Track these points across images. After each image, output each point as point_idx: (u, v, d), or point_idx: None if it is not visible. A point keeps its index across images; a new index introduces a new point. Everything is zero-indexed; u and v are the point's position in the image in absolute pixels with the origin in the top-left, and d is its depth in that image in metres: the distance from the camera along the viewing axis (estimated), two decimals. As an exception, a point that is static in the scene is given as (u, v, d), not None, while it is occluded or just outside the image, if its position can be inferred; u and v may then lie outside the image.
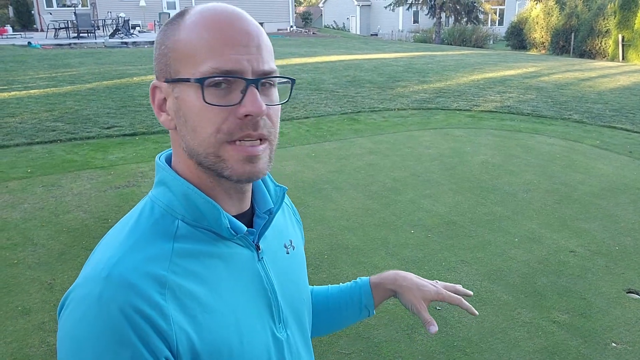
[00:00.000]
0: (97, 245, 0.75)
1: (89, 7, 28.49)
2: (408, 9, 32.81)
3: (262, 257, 0.81)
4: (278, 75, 0.74)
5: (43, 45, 18.51)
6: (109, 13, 24.70)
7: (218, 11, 0.72)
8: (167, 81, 0.73)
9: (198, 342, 0.68)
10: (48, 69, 12.34)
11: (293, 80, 0.78)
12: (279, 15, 32.43)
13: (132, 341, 0.64)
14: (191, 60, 0.70)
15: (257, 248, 0.81)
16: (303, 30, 32.30)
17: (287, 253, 0.89)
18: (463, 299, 1.04)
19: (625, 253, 3.94)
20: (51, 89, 9.70)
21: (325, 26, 43.13)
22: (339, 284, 1.14)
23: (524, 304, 3.30)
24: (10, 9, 29.13)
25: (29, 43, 18.51)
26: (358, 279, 1.11)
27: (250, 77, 0.70)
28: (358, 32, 40.08)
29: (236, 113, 0.69)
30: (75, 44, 19.30)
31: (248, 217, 0.81)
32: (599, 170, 5.70)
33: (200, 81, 0.68)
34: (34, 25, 28.27)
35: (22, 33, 24.15)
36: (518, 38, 26.34)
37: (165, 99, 0.74)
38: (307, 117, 7.92)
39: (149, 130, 7.09)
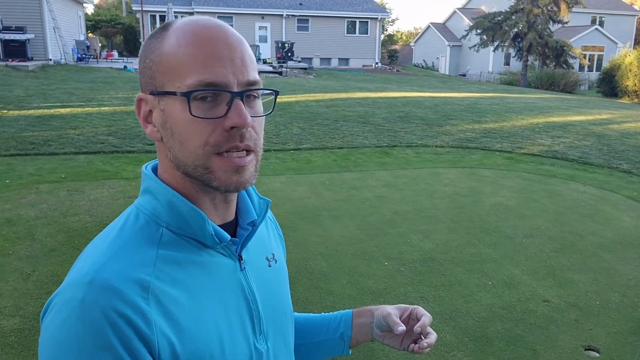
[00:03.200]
0: (82, 252, 0.76)
1: (188, 38, 30.67)
2: (494, 50, 32.19)
3: (244, 268, 0.82)
4: (261, 87, 0.76)
5: (136, 69, 20.16)
6: (202, 43, 26.44)
7: (201, 24, 0.73)
8: (152, 94, 0.74)
9: (180, 348, 0.69)
10: (129, 90, 13.45)
11: (277, 92, 0.80)
12: (366, 52, 33.07)
13: (114, 345, 0.64)
14: (176, 74, 0.71)
15: (240, 258, 0.81)
16: (387, 67, 32.68)
17: (269, 266, 0.89)
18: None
19: (604, 309, 3.64)
20: (120, 107, 10.57)
21: (414, 65, 43.27)
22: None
23: (464, 347, 3.16)
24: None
25: (125, 67, 20.27)
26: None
27: (235, 89, 0.71)
28: (446, 72, 39.79)
29: (222, 125, 0.71)
30: (165, 69, 20.84)
31: (232, 228, 0.82)
32: (621, 222, 5.29)
33: (187, 95, 0.70)
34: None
35: (125, 58, 26.51)
36: (609, 85, 24.90)
37: (150, 111, 0.76)
38: (341, 148, 8.03)
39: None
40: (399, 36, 66.34)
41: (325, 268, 4.09)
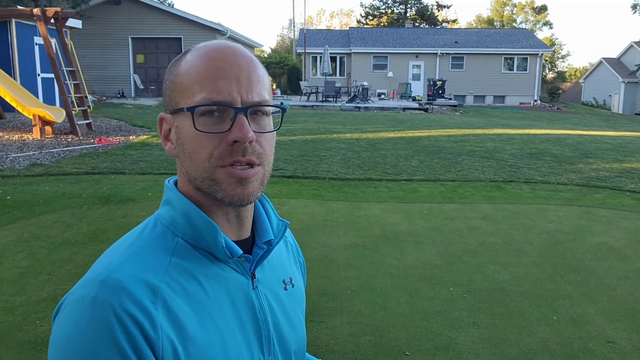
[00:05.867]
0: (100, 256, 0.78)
1: (345, 77, 32.45)
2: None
3: (256, 286, 0.83)
4: (267, 104, 0.78)
5: (292, 105, 21.90)
6: (355, 81, 27.75)
7: (214, 46, 0.78)
8: (170, 112, 0.80)
9: (184, 356, 0.70)
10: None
11: (284, 110, 0.84)
12: (524, 89, 31.77)
13: (122, 345, 0.65)
14: (188, 92, 0.76)
15: (253, 276, 0.83)
16: (548, 105, 30.90)
17: (285, 289, 0.90)
18: None
19: (680, 359, 3.30)
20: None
21: (582, 103, 40.25)
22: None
23: (497, 372, 3.14)
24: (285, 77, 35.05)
25: (282, 103, 22.06)
26: None
27: (239, 106, 0.75)
28: (619, 111, 36.30)
29: (226, 140, 0.74)
30: (317, 106, 22.30)
31: (248, 246, 0.84)
32: None
33: (191, 110, 0.75)
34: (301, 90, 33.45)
35: (285, 95, 28.85)
36: None
37: (170, 129, 0.81)
38: (453, 181, 8.03)
39: (304, 175, 8.17)
40: (572, 72, 62.18)
41: (388, 286, 4.27)
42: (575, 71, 63.12)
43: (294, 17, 59.69)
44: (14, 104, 10.99)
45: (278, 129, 0.82)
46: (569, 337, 3.56)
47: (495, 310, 3.91)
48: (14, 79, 13.66)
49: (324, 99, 24.12)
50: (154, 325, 0.68)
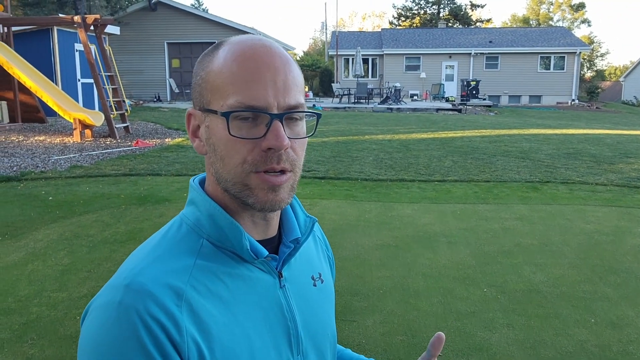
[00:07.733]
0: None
1: (377, 78, 32.34)
2: None
3: (284, 285, 0.82)
4: (303, 110, 0.77)
5: (324, 107, 21.96)
6: (387, 83, 27.63)
7: (248, 44, 0.75)
8: (200, 110, 0.78)
9: (209, 358, 0.70)
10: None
11: (319, 115, 0.81)
12: (561, 88, 31.08)
13: (148, 348, 0.66)
14: (220, 92, 0.73)
15: (280, 275, 0.81)
16: (586, 104, 30.12)
17: (315, 285, 0.89)
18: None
19: None
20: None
21: (623, 102, 39.10)
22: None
23: (531, 374, 3.09)
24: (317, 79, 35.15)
25: (314, 105, 22.20)
26: None
27: (275, 111, 0.73)
28: (663, 110, 35.08)
29: (260, 146, 0.72)
30: (349, 107, 22.30)
31: (274, 245, 0.83)
32: None
33: (226, 115, 0.72)
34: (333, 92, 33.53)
35: (318, 98, 28.94)
36: None
37: (199, 126, 0.79)
38: (487, 181, 7.92)
39: (336, 176, 8.19)
40: (611, 71, 60.52)
41: (421, 286, 4.25)
42: (615, 69, 61.36)
43: (326, 20, 59.98)
44: (55, 109, 11.37)
45: (312, 134, 0.79)
46: (607, 339, 3.47)
47: (530, 311, 3.84)
48: (56, 84, 14.13)
49: (356, 100, 24.12)
50: (179, 328, 0.68)
